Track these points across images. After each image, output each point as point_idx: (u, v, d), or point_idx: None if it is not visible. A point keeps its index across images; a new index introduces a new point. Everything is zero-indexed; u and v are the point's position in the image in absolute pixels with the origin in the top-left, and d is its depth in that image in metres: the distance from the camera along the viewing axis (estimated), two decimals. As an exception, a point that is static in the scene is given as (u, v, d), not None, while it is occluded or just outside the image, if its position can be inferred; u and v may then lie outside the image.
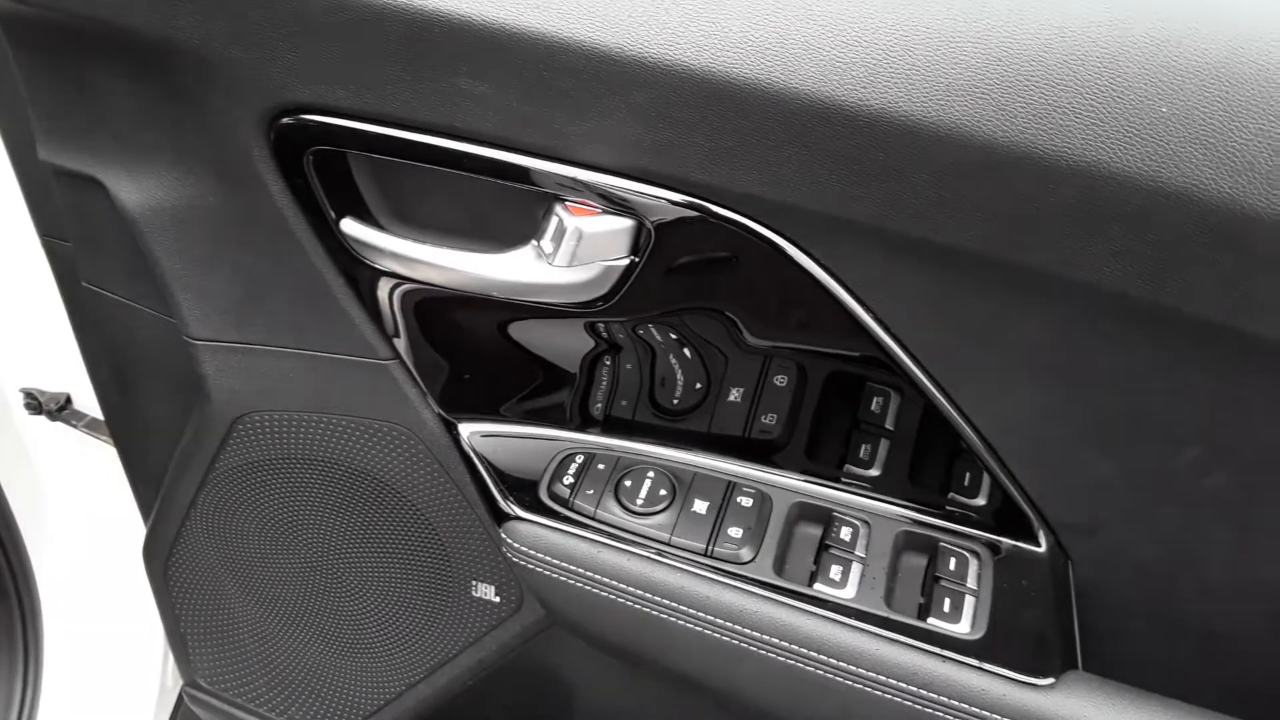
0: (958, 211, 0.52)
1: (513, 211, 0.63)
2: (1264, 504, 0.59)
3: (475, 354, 0.73)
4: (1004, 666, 0.60)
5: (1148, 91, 0.48)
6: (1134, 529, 0.63)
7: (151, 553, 0.94)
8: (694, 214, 0.59)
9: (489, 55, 0.54)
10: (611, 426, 0.75)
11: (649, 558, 0.67)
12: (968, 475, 0.70)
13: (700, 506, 0.69)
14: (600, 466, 0.72)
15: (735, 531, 0.67)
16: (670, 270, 0.63)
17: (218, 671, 1.00)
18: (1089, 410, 0.59)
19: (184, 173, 0.67)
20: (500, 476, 0.74)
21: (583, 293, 0.64)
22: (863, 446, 0.73)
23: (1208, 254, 0.49)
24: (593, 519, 0.70)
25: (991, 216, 0.52)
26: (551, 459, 0.74)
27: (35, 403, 1.12)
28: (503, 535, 0.71)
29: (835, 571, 0.66)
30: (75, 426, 1.11)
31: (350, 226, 0.65)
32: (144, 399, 0.84)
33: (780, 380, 0.73)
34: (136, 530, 1.21)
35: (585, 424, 0.75)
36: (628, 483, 0.70)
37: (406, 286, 0.68)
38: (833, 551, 0.67)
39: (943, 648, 0.62)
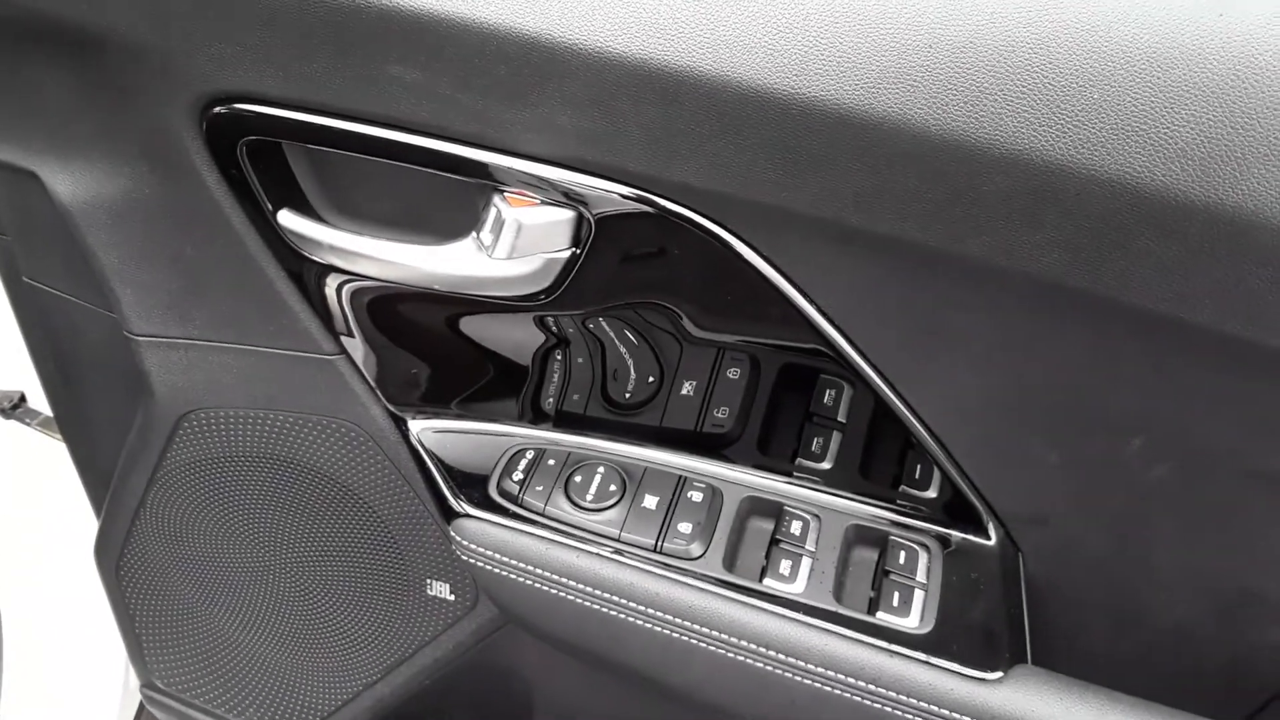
0: (894, 201, 0.51)
1: (451, 203, 0.62)
2: (1208, 495, 0.58)
3: (423, 348, 0.72)
4: (952, 661, 0.60)
5: (1078, 78, 0.47)
6: (1082, 520, 0.63)
7: (103, 552, 0.93)
8: (634, 205, 0.58)
9: (419, 43, 0.53)
10: (563, 421, 0.74)
11: (598, 554, 0.66)
12: (919, 468, 0.70)
13: (650, 502, 0.68)
14: (550, 462, 0.71)
15: (685, 527, 0.67)
16: (614, 263, 0.62)
17: (174, 672, 0.98)
18: (1034, 401, 0.59)
19: (119, 164, 0.65)
20: (449, 473, 0.73)
21: (525, 285, 0.63)
22: (815, 439, 0.72)
23: (1143, 242, 0.49)
24: (542, 515, 0.69)
25: (928, 205, 0.51)
26: (501, 455, 0.73)
27: (-11, 401, 1.10)
28: (452, 533, 0.70)
29: (785, 566, 0.65)
30: (29, 425, 1.10)
31: (288, 219, 0.64)
32: (91, 396, 0.83)
33: (733, 373, 0.73)
34: (93, 529, 1.19)
35: (536, 419, 0.74)
36: (577, 478, 0.69)
37: (349, 280, 0.67)
38: (783, 546, 0.67)
39: (891, 643, 0.61)
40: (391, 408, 0.74)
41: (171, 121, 0.61)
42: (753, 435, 0.73)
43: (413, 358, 0.73)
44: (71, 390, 0.85)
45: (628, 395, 0.74)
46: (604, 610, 0.66)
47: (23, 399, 1.11)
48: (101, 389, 0.82)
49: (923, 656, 0.60)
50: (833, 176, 0.51)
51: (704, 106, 0.52)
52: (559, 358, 0.73)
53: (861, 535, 0.67)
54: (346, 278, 0.67)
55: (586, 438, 0.73)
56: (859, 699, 0.60)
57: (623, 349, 0.72)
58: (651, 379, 0.74)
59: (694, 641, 0.64)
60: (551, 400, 0.74)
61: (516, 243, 0.60)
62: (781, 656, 0.62)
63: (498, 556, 0.68)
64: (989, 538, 0.65)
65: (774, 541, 0.67)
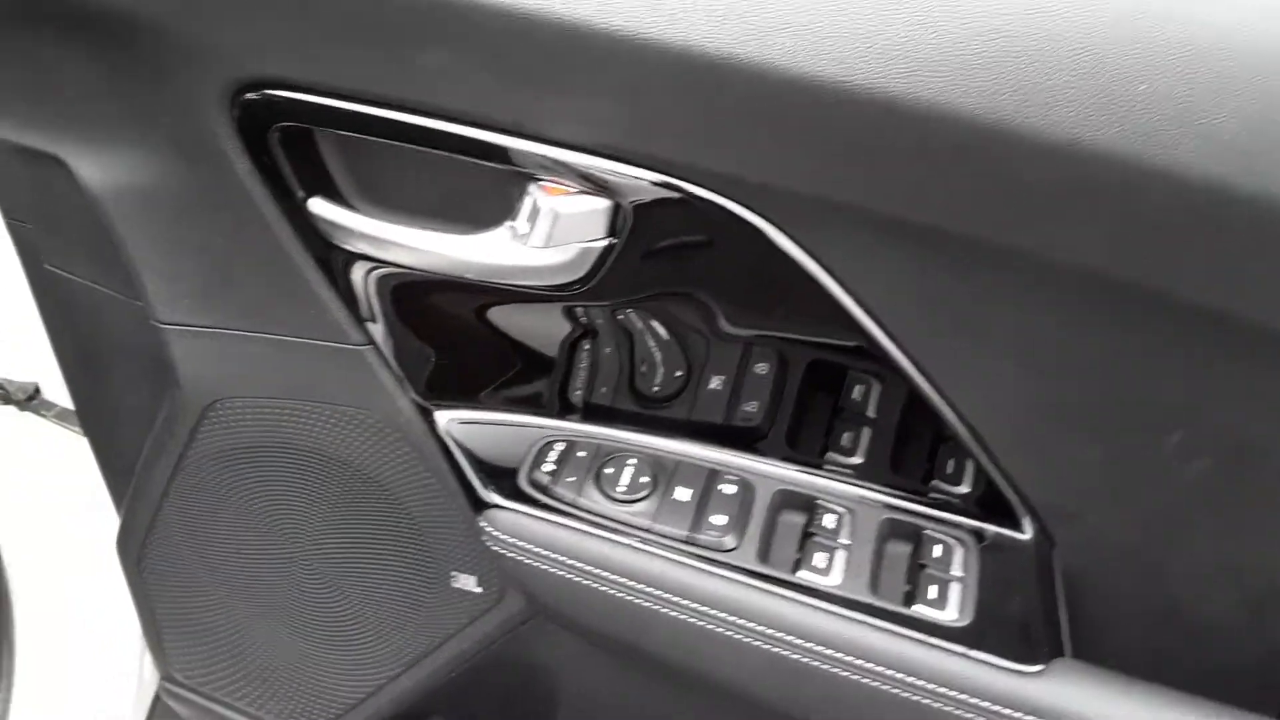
0: (939, 191, 0.51)
1: (486, 191, 0.61)
2: (1246, 490, 0.58)
3: (452, 339, 0.72)
4: (991, 653, 0.59)
5: (1127, 69, 0.47)
6: (1118, 514, 0.62)
7: (125, 544, 0.92)
8: (672, 195, 0.57)
9: (455, 28, 0.53)
10: (591, 413, 0.74)
11: (631, 545, 0.66)
12: (951, 463, 0.69)
13: (683, 494, 0.68)
14: (581, 454, 0.70)
15: (718, 519, 0.66)
16: (649, 253, 0.62)
17: (194, 665, 0.98)
18: (1074, 395, 0.58)
19: (147, 150, 0.65)
20: (479, 464, 0.72)
21: (559, 275, 0.62)
22: (845, 434, 0.72)
23: (1191, 236, 0.48)
24: (574, 506, 0.68)
25: (974, 196, 0.50)
26: (531, 446, 0.72)
27: (2, 392, 1.10)
28: (482, 524, 0.70)
29: (820, 559, 0.65)
30: (45, 416, 1.09)
31: (319, 206, 0.63)
32: (113, 385, 0.82)
33: (761, 368, 0.72)
34: (111, 522, 1.19)
35: (565, 410, 0.74)
36: (609, 470, 0.69)
37: (380, 269, 0.67)
38: (817, 539, 0.66)
39: (930, 635, 0.61)
40: (419, 399, 0.73)
41: (201, 107, 0.60)
42: (782, 429, 0.72)
43: (441, 348, 0.72)
44: (93, 380, 0.84)
45: (656, 389, 0.74)
46: (636, 601, 0.66)
47: (37, 391, 1.10)
48: (125, 379, 0.81)
49: (961, 649, 0.59)
50: (877, 166, 0.51)
51: (745, 95, 0.51)
52: (587, 349, 0.72)
53: (896, 529, 0.66)
54: (376, 266, 0.67)
55: (615, 430, 0.73)
56: (897, 691, 0.60)
57: (651, 342, 0.72)
58: (679, 373, 0.73)
59: (728, 633, 0.64)
60: (580, 392, 0.74)
61: (552, 232, 0.59)
62: (818, 648, 0.61)
63: (529, 547, 0.68)
64: (1024, 532, 0.65)
65: (807, 534, 0.66)
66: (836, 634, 0.61)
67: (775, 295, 0.63)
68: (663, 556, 0.65)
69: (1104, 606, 0.66)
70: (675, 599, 0.65)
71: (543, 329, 0.71)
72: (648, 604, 0.66)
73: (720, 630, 0.64)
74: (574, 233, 0.60)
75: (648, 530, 0.67)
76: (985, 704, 0.58)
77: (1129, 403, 0.58)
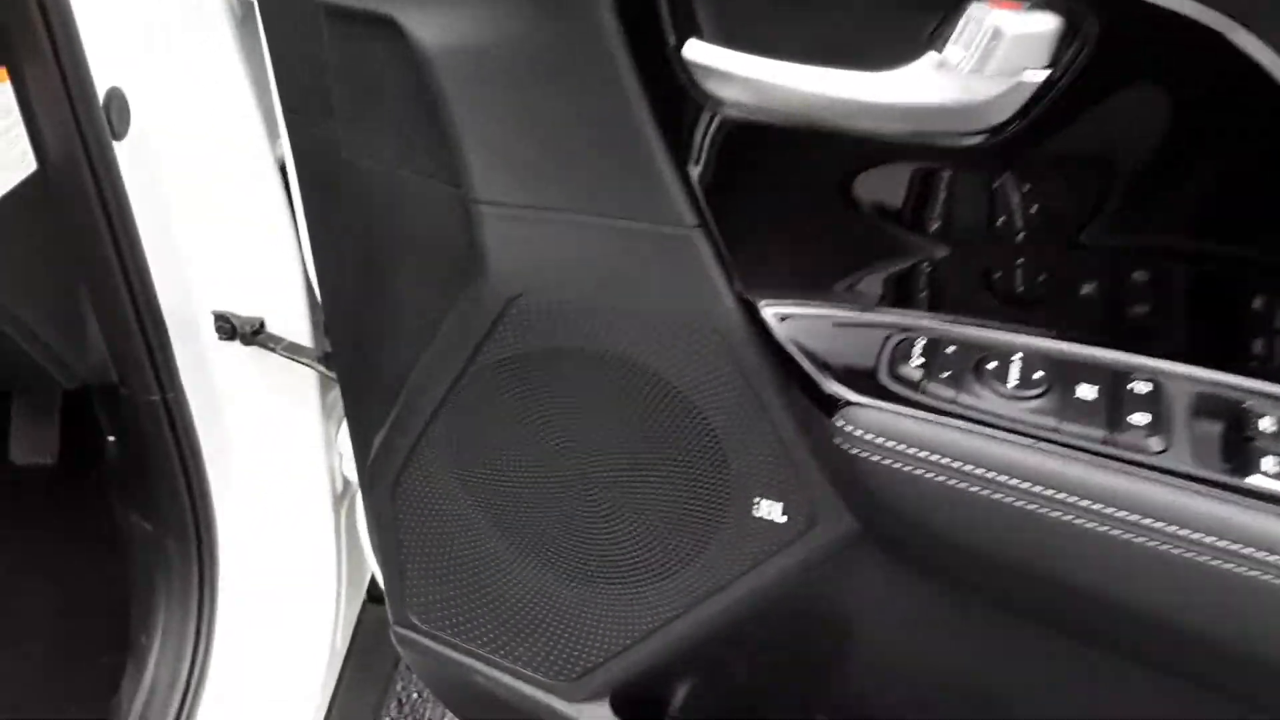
0: None
1: (896, 17, 0.53)
2: None
3: (794, 218, 0.64)
4: None
5: None
6: None
7: (378, 474, 0.86)
8: (1150, 14, 0.48)
9: None
10: (945, 309, 0.65)
11: (1038, 447, 0.57)
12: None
13: (1087, 392, 0.58)
14: (951, 349, 0.62)
15: (1139, 419, 0.57)
16: (1091, 98, 0.53)
17: (437, 607, 0.92)
18: None
19: (495, 2, 0.59)
20: (821, 363, 0.64)
21: (978, 118, 0.54)
22: (1255, 342, 0.62)
23: None
24: (955, 404, 0.59)
25: None
26: (885, 342, 0.64)
27: (229, 326, 1.06)
28: (839, 423, 0.61)
29: (1269, 463, 0.55)
30: (274, 350, 1.05)
31: (695, 50, 0.56)
32: (394, 293, 0.76)
33: (1141, 276, 0.63)
34: (326, 467, 1.14)
35: (910, 305, 0.65)
36: (991, 365, 0.60)
37: (733, 131, 0.59)
38: (1256, 444, 0.56)
39: None
40: (744, 292, 0.65)
41: None
42: (1177, 336, 0.63)
43: (778, 231, 0.65)
44: (368, 289, 0.78)
45: (1020, 289, 0.65)
46: (1043, 511, 0.56)
47: (263, 325, 1.06)
48: (410, 282, 0.75)
49: None
50: None
51: None
52: (950, 234, 0.64)
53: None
54: (731, 130, 0.59)
55: (979, 328, 0.64)
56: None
57: (1021, 231, 0.63)
58: (1043, 276, 0.64)
59: (1163, 547, 0.54)
60: (929, 286, 0.65)
61: (991, 54, 0.51)
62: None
63: (906, 450, 0.59)
64: None
65: (1245, 438, 0.56)
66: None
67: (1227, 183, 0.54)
68: (1079, 459, 0.56)
69: None
70: (1095, 507, 0.55)
71: (904, 204, 0.63)
72: (1055, 514, 0.56)
73: (1152, 543, 0.54)
74: (1014, 59, 0.51)
75: (1053, 429, 0.57)
76: None
77: None
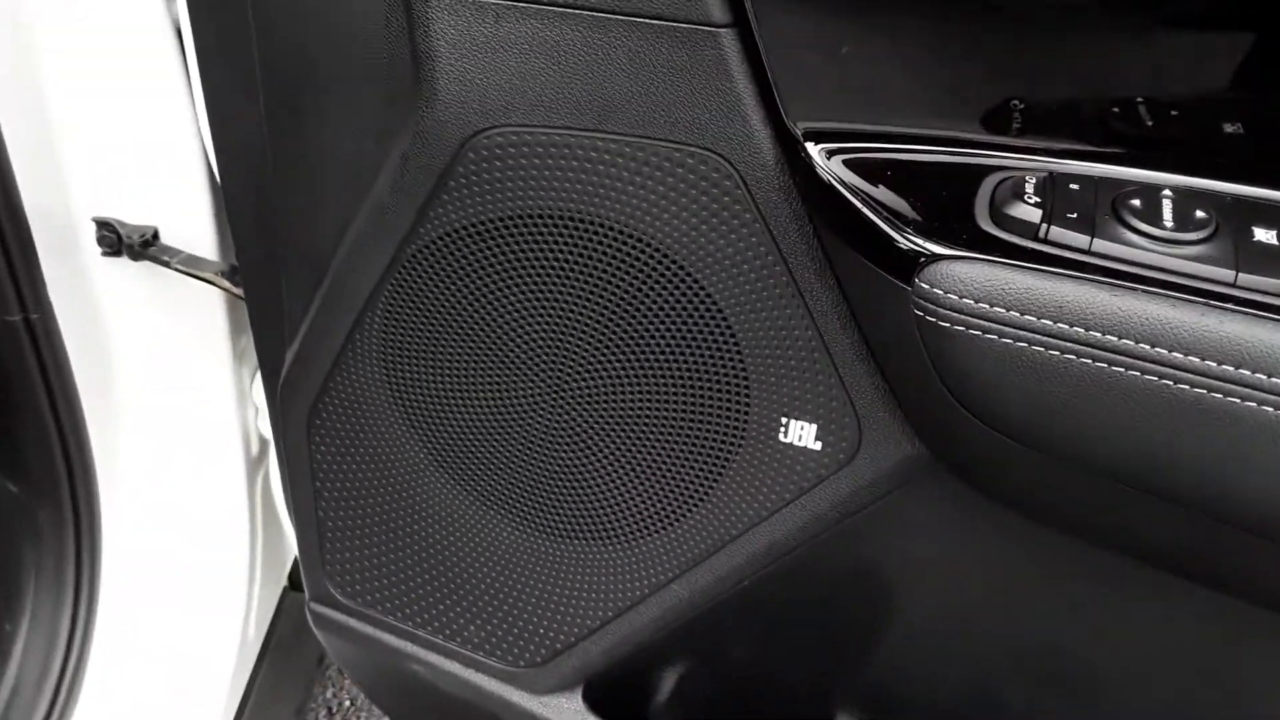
0: None
1: None
2: None
3: (864, 27, 0.48)
4: None
5: None
6: None
7: (290, 400, 0.67)
8: None
9: None
10: (1056, 143, 0.49)
11: (1215, 306, 0.40)
12: None
13: (1265, 235, 0.42)
14: (1075, 187, 0.45)
15: (1346, 266, 0.41)
16: None
17: (363, 577, 0.73)
18: None
19: None
20: (891, 211, 0.47)
21: None
22: None
23: None
24: (1089, 253, 0.43)
25: None
26: (981, 183, 0.47)
27: (113, 236, 0.86)
28: (922, 286, 0.44)
29: None
30: (169, 265, 0.85)
31: None
32: (311, 139, 0.58)
33: None
34: (236, 419, 0.95)
35: (1009, 139, 0.49)
36: (1135, 202, 0.44)
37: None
38: None
39: None
40: (787, 122, 0.49)
41: None
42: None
43: (844, 41, 0.48)
44: (282, 136, 0.59)
45: (1149, 123, 0.49)
46: (1219, 398, 0.40)
47: (156, 235, 0.86)
48: (336, 123, 0.57)
49: None
50: None
51: None
52: (1042, 59, 0.48)
53: None
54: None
55: (1106, 165, 0.47)
56: None
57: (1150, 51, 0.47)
58: (1176, 112, 0.49)
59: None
60: (1025, 122, 0.49)
61: None
62: None
63: (1025, 318, 0.42)
64: None
65: None
66: None
67: None
68: (1277, 320, 0.40)
69: None
70: (1298, 388, 0.39)
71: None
72: (1238, 400, 0.40)
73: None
74: None
75: (1230, 284, 0.41)
76: None
77: None
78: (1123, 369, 0.41)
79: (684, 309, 0.55)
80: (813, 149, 0.48)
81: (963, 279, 0.43)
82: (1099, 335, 0.41)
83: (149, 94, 0.77)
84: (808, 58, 0.48)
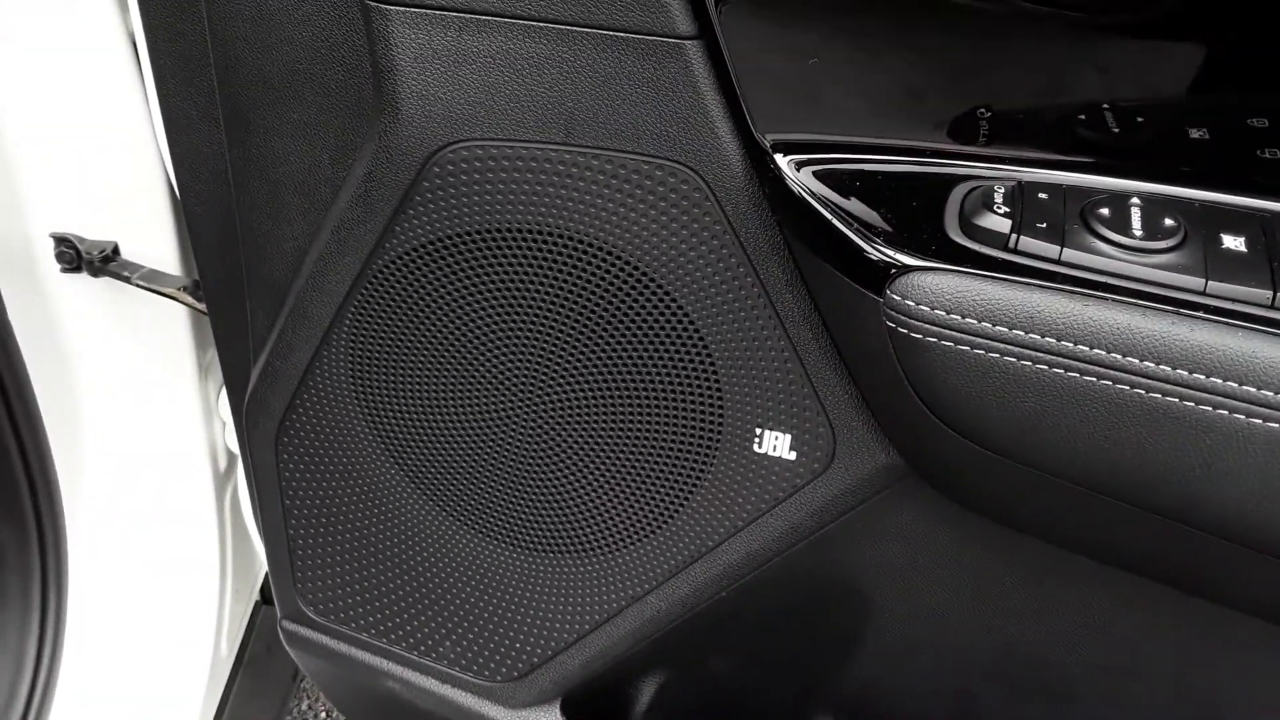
0: None
1: None
2: None
3: (833, 37, 0.47)
4: None
5: None
6: None
7: (257, 416, 0.66)
8: None
9: None
10: (1024, 152, 0.49)
11: (1184, 314, 0.40)
12: None
13: (1234, 242, 0.43)
14: (1044, 196, 0.45)
15: (1312, 273, 0.41)
16: None
17: (335, 594, 0.72)
18: None
19: None
20: (862, 223, 0.47)
21: None
22: None
23: None
24: (1059, 263, 0.43)
25: None
26: (951, 192, 0.47)
27: (72, 253, 0.84)
28: (893, 297, 0.44)
29: None
30: (129, 280, 0.83)
31: None
32: (272, 154, 0.57)
33: (1259, 122, 0.48)
34: (203, 434, 0.93)
35: (978, 148, 0.49)
36: (1104, 211, 0.44)
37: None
38: None
39: None
40: (756, 133, 0.48)
41: None
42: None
43: (811, 52, 0.48)
44: (242, 151, 0.58)
45: (1115, 129, 0.49)
46: (1191, 406, 0.40)
47: (116, 250, 0.84)
48: (296, 138, 0.55)
49: None
50: None
51: None
52: (1009, 65, 0.48)
53: None
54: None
55: (1075, 173, 0.47)
56: None
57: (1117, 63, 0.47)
58: (1141, 119, 0.49)
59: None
60: (993, 131, 0.49)
61: None
62: None
63: (996, 329, 0.42)
64: None
65: None
66: None
67: None
68: (1244, 330, 0.40)
69: None
70: (1266, 396, 0.39)
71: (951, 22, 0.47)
72: (1209, 407, 0.40)
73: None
74: None
75: (1199, 291, 0.41)
76: None
77: None
78: (1094, 378, 0.41)
79: (655, 321, 0.54)
80: (782, 160, 0.48)
81: (933, 290, 0.43)
82: (1070, 345, 0.41)
83: (106, 108, 0.75)
84: (775, 69, 0.47)
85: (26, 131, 0.77)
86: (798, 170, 0.48)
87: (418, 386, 0.60)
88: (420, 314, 0.57)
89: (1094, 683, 0.60)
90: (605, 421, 0.58)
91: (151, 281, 0.83)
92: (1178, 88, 0.52)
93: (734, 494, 0.58)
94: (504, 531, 0.65)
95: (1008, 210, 0.44)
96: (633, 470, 0.60)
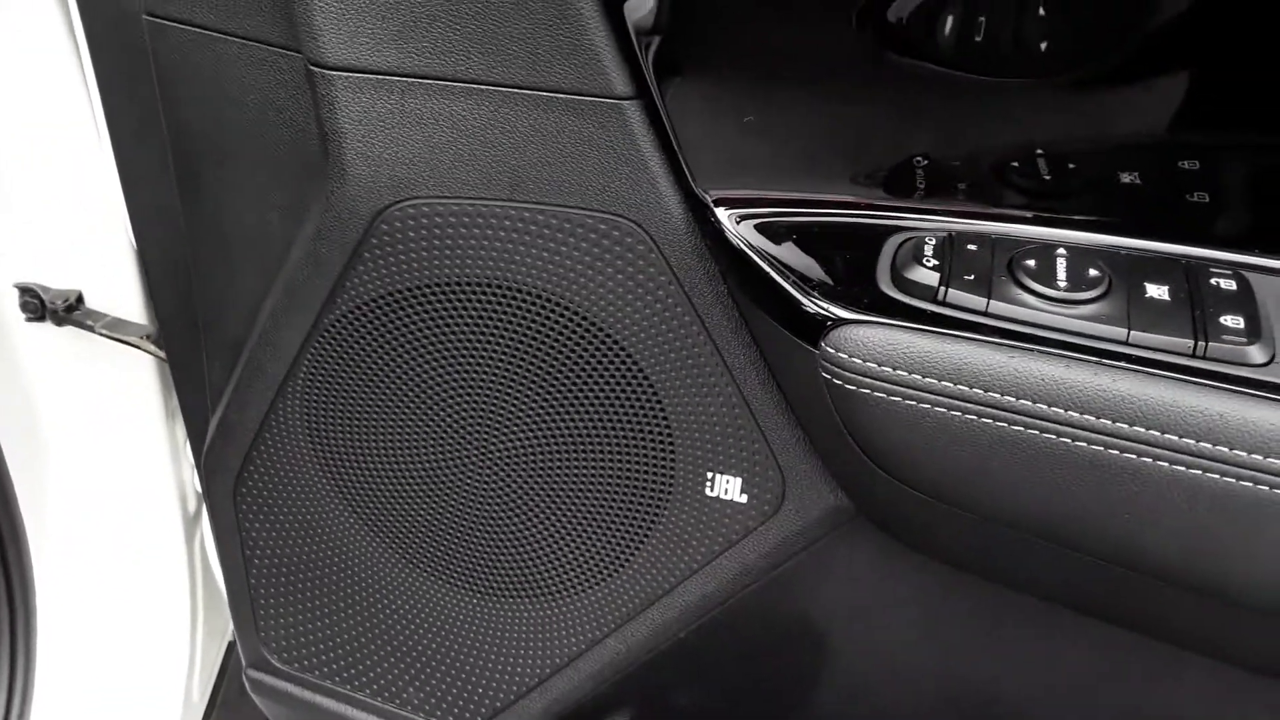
0: None
1: None
2: None
3: (757, 86, 0.49)
4: None
5: None
6: None
7: (215, 466, 0.67)
8: None
9: None
10: (951, 201, 0.50)
11: (1107, 364, 0.41)
12: None
13: (1157, 291, 0.44)
14: (972, 247, 0.46)
15: (1232, 321, 0.42)
16: None
17: (297, 641, 0.72)
18: None
19: None
20: (799, 275, 0.48)
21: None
22: None
23: None
24: (986, 315, 0.44)
25: None
26: (881, 246, 0.48)
27: (36, 302, 0.84)
28: (827, 349, 0.45)
29: None
30: (93, 329, 0.84)
31: None
32: (224, 211, 0.57)
33: (1190, 164, 0.50)
34: (172, 478, 0.93)
35: (904, 198, 0.50)
36: (1030, 262, 0.45)
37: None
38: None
39: None
40: (696, 188, 0.49)
41: None
42: (1241, 220, 0.49)
43: (746, 108, 0.49)
44: (196, 207, 0.59)
45: (1046, 176, 0.50)
46: (1116, 454, 0.41)
47: (80, 299, 0.85)
48: (247, 196, 0.56)
49: None
50: None
51: None
52: (941, 119, 0.49)
53: None
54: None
55: (1003, 224, 0.49)
56: None
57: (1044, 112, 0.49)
58: (1074, 165, 0.50)
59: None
60: (928, 181, 0.50)
61: None
62: None
63: (925, 380, 0.43)
64: None
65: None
66: None
67: None
68: (1166, 379, 0.41)
69: None
70: (1188, 444, 0.40)
71: (882, 83, 0.48)
72: (1134, 455, 0.41)
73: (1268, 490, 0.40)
74: None
75: (1122, 341, 0.42)
76: None
77: None
78: (1022, 428, 0.42)
79: (606, 369, 0.55)
80: (722, 214, 0.49)
81: (865, 343, 0.44)
82: (998, 396, 0.42)
83: (69, 160, 0.76)
84: (712, 126, 0.49)
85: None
86: (737, 224, 0.49)
87: (374, 438, 0.60)
88: (373, 367, 0.57)
89: (1047, 717, 0.61)
90: (560, 468, 0.59)
91: (115, 330, 0.83)
92: (1111, 130, 0.53)
93: (688, 537, 0.59)
94: (463, 577, 0.65)
95: (936, 263, 0.45)
96: (588, 515, 0.60)
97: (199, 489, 0.94)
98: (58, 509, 0.93)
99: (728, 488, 0.57)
